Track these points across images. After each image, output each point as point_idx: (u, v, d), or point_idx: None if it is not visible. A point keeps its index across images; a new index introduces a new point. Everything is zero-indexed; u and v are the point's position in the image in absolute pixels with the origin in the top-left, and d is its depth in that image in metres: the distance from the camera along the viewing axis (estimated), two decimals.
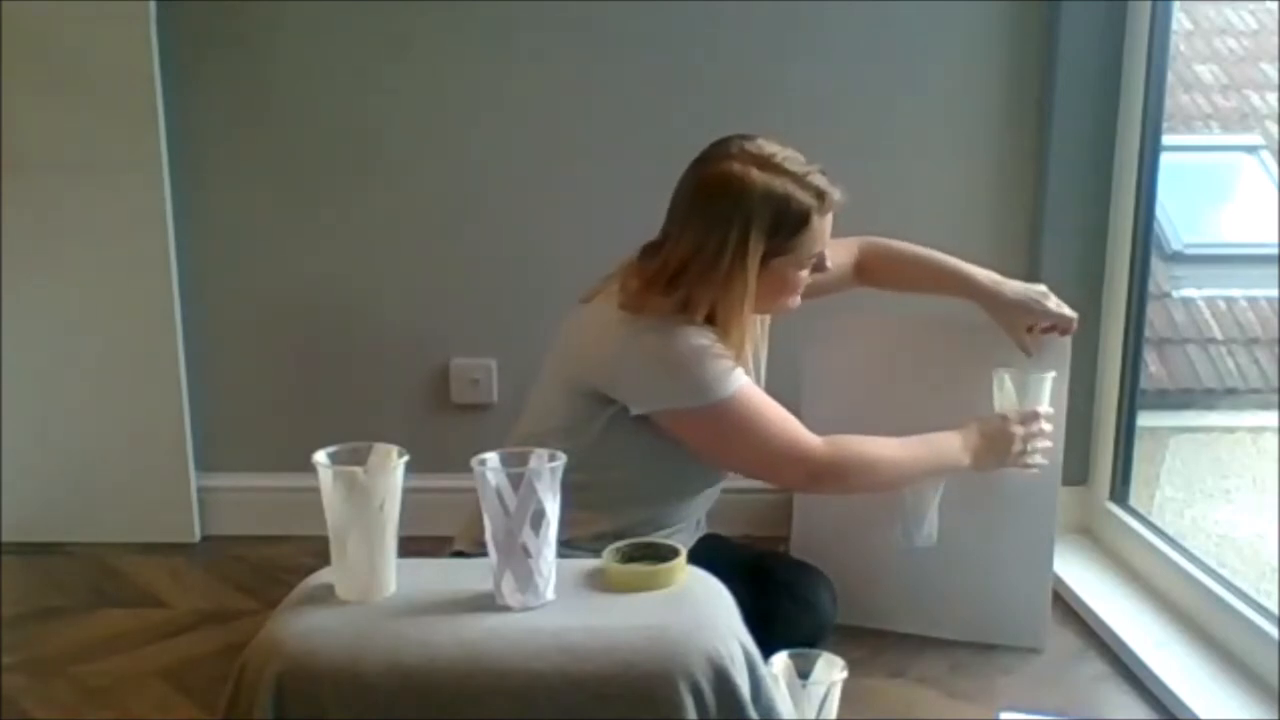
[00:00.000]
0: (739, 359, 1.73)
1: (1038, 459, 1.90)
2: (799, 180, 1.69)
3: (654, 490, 1.80)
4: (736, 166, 1.68)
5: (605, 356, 1.73)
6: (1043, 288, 1.97)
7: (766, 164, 1.69)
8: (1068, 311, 1.95)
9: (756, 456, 1.75)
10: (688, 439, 1.73)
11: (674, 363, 1.68)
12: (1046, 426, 1.90)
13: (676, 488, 1.83)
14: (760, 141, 1.72)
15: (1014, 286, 1.96)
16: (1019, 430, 1.86)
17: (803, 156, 1.73)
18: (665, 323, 1.70)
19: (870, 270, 2.04)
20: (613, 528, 1.71)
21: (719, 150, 1.73)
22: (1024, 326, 1.94)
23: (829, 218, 1.74)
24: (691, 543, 1.87)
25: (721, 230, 1.67)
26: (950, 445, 1.84)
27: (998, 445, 1.86)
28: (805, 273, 1.77)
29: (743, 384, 1.71)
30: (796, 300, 1.81)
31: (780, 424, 1.73)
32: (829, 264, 1.80)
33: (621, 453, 1.74)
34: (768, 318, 1.94)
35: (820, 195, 1.70)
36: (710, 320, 1.72)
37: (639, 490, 1.78)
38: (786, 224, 1.69)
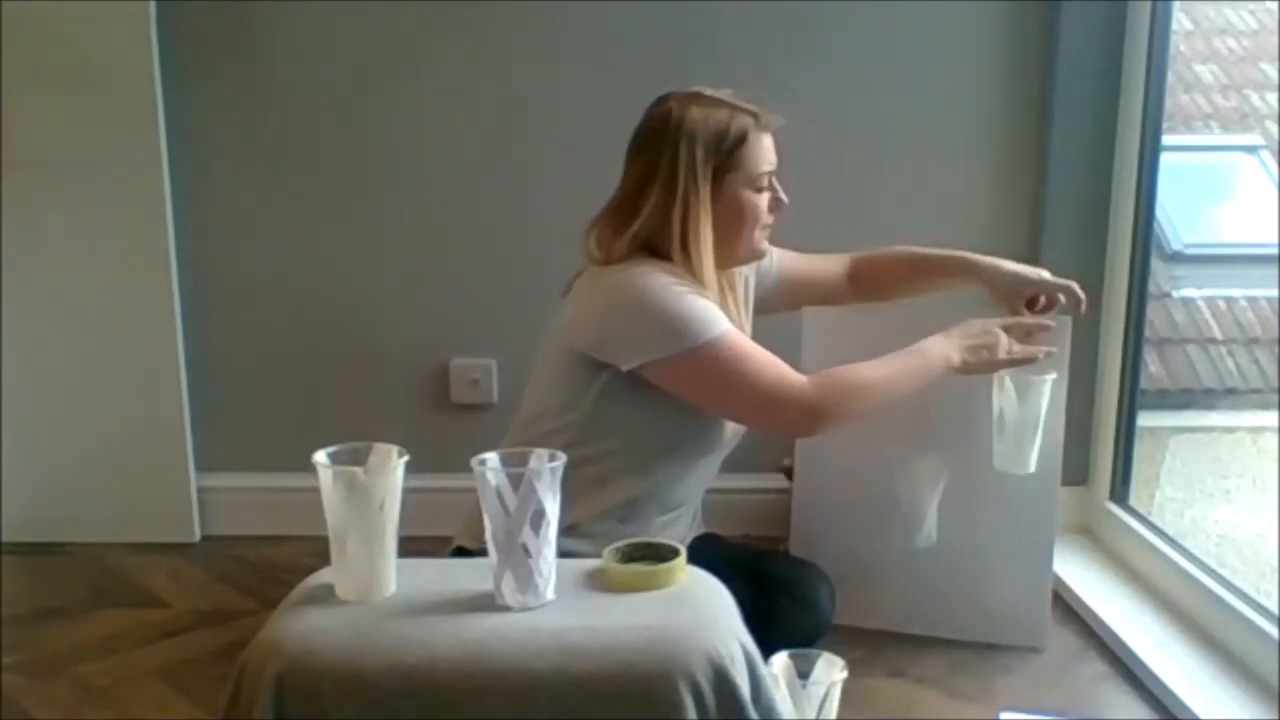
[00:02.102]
0: (721, 305, 1.75)
1: (1040, 348, 1.85)
2: (732, 106, 1.78)
3: (653, 458, 1.80)
4: (673, 104, 1.78)
5: (587, 317, 1.76)
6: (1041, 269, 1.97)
7: (699, 97, 1.78)
8: (1069, 282, 1.92)
9: (749, 396, 1.73)
10: (679, 388, 1.73)
11: (653, 307, 1.70)
12: (1048, 323, 1.88)
13: (675, 453, 1.83)
14: (694, 87, 1.81)
15: (1012, 264, 1.96)
16: (1000, 331, 1.83)
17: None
18: (634, 267, 1.73)
19: (866, 276, 2.05)
20: (615, 503, 1.75)
21: (658, 101, 1.81)
22: (1024, 300, 1.94)
23: (769, 138, 1.79)
24: (689, 536, 1.88)
25: (669, 154, 1.74)
26: (933, 348, 1.80)
27: (980, 341, 1.82)
28: (763, 201, 1.80)
29: (726, 328, 1.72)
30: (764, 242, 1.84)
31: (770, 365, 1.73)
32: (784, 197, 1.82)
33: (617, 420, 1.75)
34: (751, 283, 1.95)
35: (755, 115, 1.78)
36: (684, 263, 1.75)
37: (638, 458, 1.79)
38: (726, 139, 1.76)
